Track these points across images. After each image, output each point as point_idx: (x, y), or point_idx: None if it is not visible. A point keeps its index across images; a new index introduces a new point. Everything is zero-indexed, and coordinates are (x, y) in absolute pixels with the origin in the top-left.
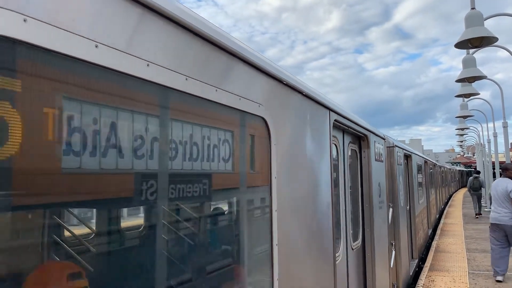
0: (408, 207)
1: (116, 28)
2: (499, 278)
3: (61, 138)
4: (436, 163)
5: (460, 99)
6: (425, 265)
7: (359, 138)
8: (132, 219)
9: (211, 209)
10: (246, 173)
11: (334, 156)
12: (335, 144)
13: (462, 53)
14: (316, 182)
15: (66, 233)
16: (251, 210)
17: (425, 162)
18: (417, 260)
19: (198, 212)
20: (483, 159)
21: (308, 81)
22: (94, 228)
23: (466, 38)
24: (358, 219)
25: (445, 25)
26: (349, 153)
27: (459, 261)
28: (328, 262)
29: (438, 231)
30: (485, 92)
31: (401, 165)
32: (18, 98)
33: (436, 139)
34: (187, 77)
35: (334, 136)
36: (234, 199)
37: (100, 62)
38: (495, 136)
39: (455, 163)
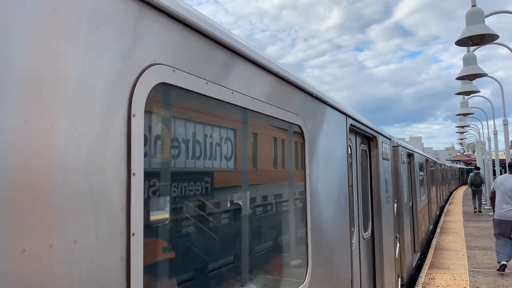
0: (410, 203)
1: (216, 70)
2: (502, 271)
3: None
4: (437, 161)
5: (461, 96)
6: (425, 262)
7: (369, 139)
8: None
9: (275, 199)
10: (293, 171)
11: (349, 156)
12: (349, 145)
13: (463, 50)
14: (337, 178)
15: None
16: (296, 200)
17: (426, 160)
18: (419, 254)
19: (273, 199)
20: (483, 157)
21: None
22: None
23: (467, 36)
24: (368, 212)
25: (446, 23)
26: (360, 153)
27: (459, 259)
28: (346, 247)
29: (438, 229)
30: (485, 89)
31: (404, 163)
32: (169, 119)
33: (436, 137)
34: (254, 99)
35: (349, 138)
36: (288, 191)
37: (209, 94)
38: (495, 133)
39: (455, 160)
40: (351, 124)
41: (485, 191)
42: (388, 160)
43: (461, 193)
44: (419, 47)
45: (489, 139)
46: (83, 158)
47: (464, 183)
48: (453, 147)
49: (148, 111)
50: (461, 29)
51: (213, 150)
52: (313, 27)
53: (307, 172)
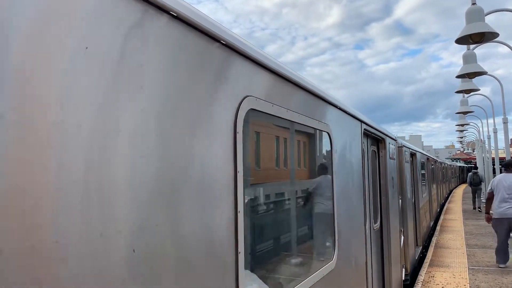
0: (413, 200)
1: (279, 96)
2: (502, 266)
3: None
4: (437, 159)
5: (460, 95)
6: (425, 261)
7: (378, 141)
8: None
9: (316, 195)
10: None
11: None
12: (362, 147)
13: (463, 48)
14: (355, 176)
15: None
16: (326, 193)
17: (427, 159)
18: (421, 247)
19: (311, 193)
20: (483, 155)
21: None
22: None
23: (467, 34)
24: (377, 206)
25: (446, 21)
26: (370, 153)
27: (459, 257)
28: (362, 235)
29: (438, 227)
30: (485, 88)
31: (408, 162)
32: (254, 134)
33: (436, 135)
34: (299, 114)
35: (362, 142)
36: (321, 186)
37: (276, 114)
38: (495, 132)
39: (455, 159)
40: (364, 129)
41: (485, 189)
42: (394, 159)
43: (461, 191)
44: (419, 45)
45: (489, 137)
46: (213, 161)
47: (464, 182)
48: (453, 146)
49: (243, 129)
50: (461, 27)
51: (281, 154)
52: (313, 25)
53: (334, 172)
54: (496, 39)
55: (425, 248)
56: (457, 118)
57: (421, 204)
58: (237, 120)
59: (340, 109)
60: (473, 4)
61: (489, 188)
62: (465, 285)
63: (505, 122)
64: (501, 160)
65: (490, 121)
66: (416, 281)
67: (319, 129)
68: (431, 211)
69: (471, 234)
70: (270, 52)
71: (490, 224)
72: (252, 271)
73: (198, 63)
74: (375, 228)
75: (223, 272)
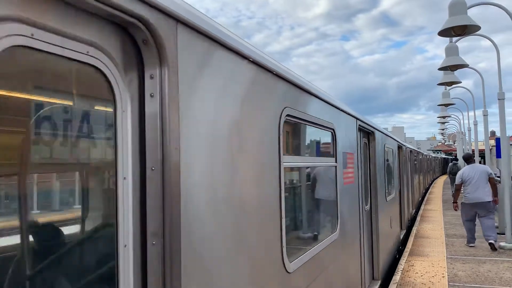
0: (399, 187)
1: (310, 107)
2: (471, 245)
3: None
4: (419, 151)
5: (443, 87)
6: (405, 250)
7: (368, 134)
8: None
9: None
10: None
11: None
12: (356, 140)
13: (447, 41)
14: (354, 165)
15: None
16: (330, 178)
17: (410, 151)
18: (405, 230)
19: (321, 178)
20: (464, 147)
21: (294, 67)
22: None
23: (449, 26)
24: (368, 191)
25: (432, 13)
26: (362, 145)
27: (438, 246)
28: (356, 214)
29: (419, 217)
30: (467, 80)
31: (394, 153)
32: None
33: (418, 127)
34: (313, 116)
35: (357, 135)
36: (328, 172)
37: (306, 118)
38: (476, 124)
39: (436, 150)
40: (359, 125)
41: None
42: (383, 150)
43: (441, 182)
44: (405, 37)
45: (469, 130)
46: (267, 154)
47: (445, 173)
48: (435, 137)
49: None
50: (446, 20)
51: (306, 148)
52: (300, 15)
53: (338, 163)
54: (478, 33)
55: (409, 230)
56: (439, 110)
57: (405, 192)
58: (280, 124)
59: (341, 110)
60: None
61: (458, 180)
62: (443, 274)
63: (485, 114)
64: (481, 152)
65: (471, 113)
66: (396, 269)
67: (325, 127)
68: (414, 199)
69: (450, 224)
70: (256, 42)
71: (458, 211)
72: (288, 232)
73: (265, 90)
74: (366, 210)
75: (274, 230)
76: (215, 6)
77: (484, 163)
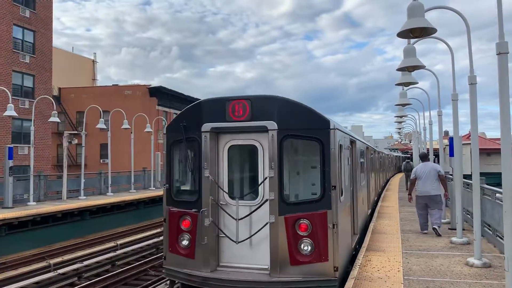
0: (367, 177)
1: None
2: (424, 232)
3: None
4: (380, 150)
5: (401, 88)
6: (362, 245)
7: (351, 142)
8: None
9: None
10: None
11: (348, 153)
12: (348, 148)
13: (406, 43)
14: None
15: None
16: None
17: (374, 151)
18: (370, 210)
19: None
20: (419, 146)
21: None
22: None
23: (408, 28)
24: (351, 179)
25: (392, 15)
26: (349, 150)
27: (394, 242)
28: (350, 189)
29: (376, 213)
30: (424, 82)
31: (363, 154)
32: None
33: (377, 126)
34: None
35: (349, 146)
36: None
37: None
38: (431, 124)
39: (393, 149)
40: (350, 139)
41: None
42: (358, 151)
43: (397, 180)
44: (366, 38)
45: (424, 129)
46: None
47: (401, 171)
48: (392, 136)
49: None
50: (405, 22)
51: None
52: (265, 13)
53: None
54: (434, 35)
55: (372, 211)
56: (396, 110)
57: (372, 183)
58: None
59: (345, 133)
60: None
61: (412, 175)
62: (398, 268)
63: (440, 115)
64: (435, 151)
65: (427, 114)
66: (354, 264)
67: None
68: (376, 189)
69: (406, 220)
70: (221, 39)
71: (413, 203)
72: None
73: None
74: (351, 188)
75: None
76: (179, 1)
77: (438, 162)
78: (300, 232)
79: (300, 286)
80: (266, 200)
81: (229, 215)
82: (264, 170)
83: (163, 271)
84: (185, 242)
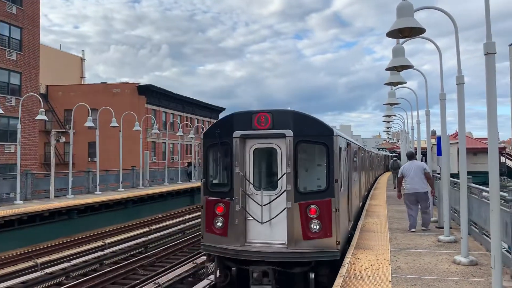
0: (359, 174)
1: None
2: (413, 230)
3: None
4: (370, 150)
5: (389, 87)
6: (351, 243)
7: (347, 145)
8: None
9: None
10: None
11: (345, 154)
12: (345, 149)
13: (395, 43)
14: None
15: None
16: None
17: (364, 150)
18: (361, 202)
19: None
20: (407, 145)
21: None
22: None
23: (396, 28)
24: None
25: (381, 15)
26: (346, 152)
27: (382, 240)
28: (346, 183)
29: (364, 212)
30: (412, 81)
31: (355, 154)
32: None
33: (365, 126)
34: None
35: (346, 148)
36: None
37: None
38: (419, 123)
39: (381, 148)
40: (347, 142)
41: None
42: (352, 151)
43: (386, 178)
44: (355, 38)
45: (412, 129)
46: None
47: (389, 170)
48: (380, 136)
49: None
50: (394, 21)
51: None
52: (255, 12)
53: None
54: (423, 35)
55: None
56: (385, 110)
57: (363, 180)
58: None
59: (343, 137)
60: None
61: (400, 173)
62: (387, 266)
63: (428, 114)
64: (423, 150)
65: (415, 113)
66: (343, 263)
67: (341, 146)
68: (367, 184)
69: (394, 218)
70: (211, 37)
71: (401, 200)
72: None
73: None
74: (347, 183)
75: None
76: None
77: (426, 161)
78: (310, 215)
79: (311, 255)
80: (285, 191)
81: (256, 202)
82: (282, 167)
83: (201, 247)
84: (219, 224)
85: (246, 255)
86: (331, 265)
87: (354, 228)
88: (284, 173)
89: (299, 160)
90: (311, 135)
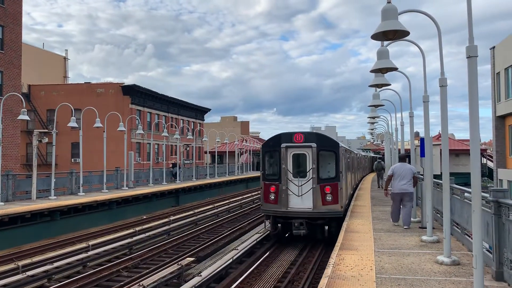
0: (350, 170)
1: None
2: (396, 224)
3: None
4: (357, 151)
5: (374, 89)
6: (336, 244)
7: (345, 150)
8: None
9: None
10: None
11: (344, 156)
12: (344, 154)
13: (380, 45)
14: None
15: None
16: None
17: (353, 153)
18: (352, 191)
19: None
20: (391, 146)
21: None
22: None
23: (381, 30)
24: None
25: (367, 17)
26: (344, 155)
27: (367, 240)
28: (344, 177)
29: (349, 213)
30: (397, 84)
31: (348, 156)
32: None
33: (350, 127)
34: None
35: (343, 152)
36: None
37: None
38: (402, 125)
39: (365, 149)
40: (345, 149)
41: (386, 174)
42: (346, 154)
43: (370, 179)
44: (340, 39)
45: (396, 130)
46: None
47: (373, 171)
48: (364, 137)
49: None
50: (379, 24)
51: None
52: (242, 12)
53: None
54: (407, 38)
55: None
56: (369, 111)
57: (352, 176)
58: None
59: (343, 146)
60: (388, 2)
61: (389, 172)
62: (371, 266)
63: (411, 116)
64: (406, 151)
65: (399, 115)
66: (328, 263)
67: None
68: (355, 180)
69: (378, 219)
70: (197, 37)
71: (388, 197)
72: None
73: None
74: (345, 175)
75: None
76: None
77: (409, 162)
78: (326, 192)
79: (326, 214)
80: (311, 178)
81: (294, 183)
82: (309, 164)
83: (261, 210)
84: (272, 197)
85: (290, 214)
86: (337, 221)
87: (348, 204)
88: (311, 168)
89: (319, 161)
90: (326, 146)
